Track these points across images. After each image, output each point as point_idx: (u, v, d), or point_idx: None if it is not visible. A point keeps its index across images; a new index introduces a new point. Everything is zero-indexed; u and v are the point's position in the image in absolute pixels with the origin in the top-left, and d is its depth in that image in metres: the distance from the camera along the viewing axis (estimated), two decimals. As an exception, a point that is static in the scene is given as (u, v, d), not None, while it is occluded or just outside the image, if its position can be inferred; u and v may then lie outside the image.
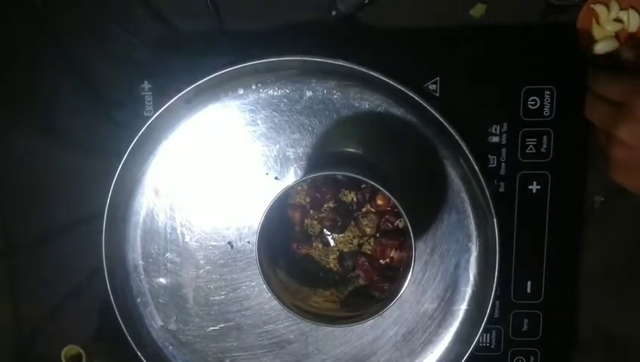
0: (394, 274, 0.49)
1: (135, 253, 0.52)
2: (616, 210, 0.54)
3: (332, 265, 0.52)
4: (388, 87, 0.47)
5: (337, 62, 0.47)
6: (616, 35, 0.49)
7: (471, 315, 0.51)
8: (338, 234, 0.51)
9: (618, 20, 0.49)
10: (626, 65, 0.49)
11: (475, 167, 0.48)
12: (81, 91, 0.54)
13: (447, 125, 0.47)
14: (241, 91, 0.50)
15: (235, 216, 0.52)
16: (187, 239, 0.52)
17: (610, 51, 0.49)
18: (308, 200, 0.50)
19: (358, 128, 0.50)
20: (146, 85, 0.51)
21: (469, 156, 0.47)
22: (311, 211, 0.51)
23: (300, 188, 0.50)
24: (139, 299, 0.53)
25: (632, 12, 0.49)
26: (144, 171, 0.51)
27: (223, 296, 0.53)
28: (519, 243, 0.52)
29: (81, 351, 0.49)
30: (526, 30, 0.52)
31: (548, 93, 0.50)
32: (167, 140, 0.51)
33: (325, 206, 0.50)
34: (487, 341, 0.54)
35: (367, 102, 0.49)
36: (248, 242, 0.52)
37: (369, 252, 0.51)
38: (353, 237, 0.51)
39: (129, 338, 0.51)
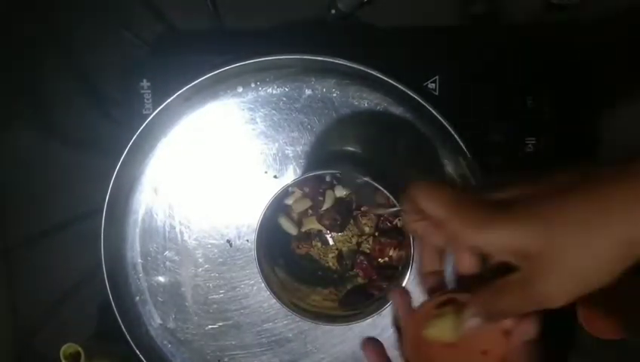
0: (392, 273, 0.49)
1: (134, 251, 0.52)
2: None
3: (331, 264, 0.52)
4: (387, 85, 0.47)
5: (337, 61, 0.47)
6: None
7: (470, 314, 0.51)
8: (337, 233, 0.51)
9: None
10: None
11: (475, 165, 0.47)
12: (80, 89, 0.54)
13: (446, 124, 0.47)
14: (240, 89, 0.50)
15: (234, 214, 0.52)
16: (186, 237, 0.52)
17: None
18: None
19: (357, 127, 0.50)
20: (145, 83, 0.51)
21: (468, 155, 0.47)
22: (310, 210, 0.51)
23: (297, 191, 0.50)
24: (137, 298, 0.53)
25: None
26: (143, 169, 0.51)
27: (221, 295, 0.52)
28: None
29: (80, 349, 0.49)
30: (526, 30, 0.52)
31: (547, 92, 0.50)
32: (166, 138, 0.51)
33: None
34: (486, 340, 0.53)
35: (367, 100, 0.49)
36: (247, 240, 0.52)
37: (368, 251, 0.51)
38: (352, 236, 0.51)
39: (128, 336, 0.51)
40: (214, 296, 0.52)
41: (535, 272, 0.30)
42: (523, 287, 0.31)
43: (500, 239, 0.30)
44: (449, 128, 0.47)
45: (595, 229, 0.29)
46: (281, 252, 0.51)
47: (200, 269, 0.52)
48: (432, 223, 0.34)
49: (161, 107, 0.48)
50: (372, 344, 0.38)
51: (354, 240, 0.51)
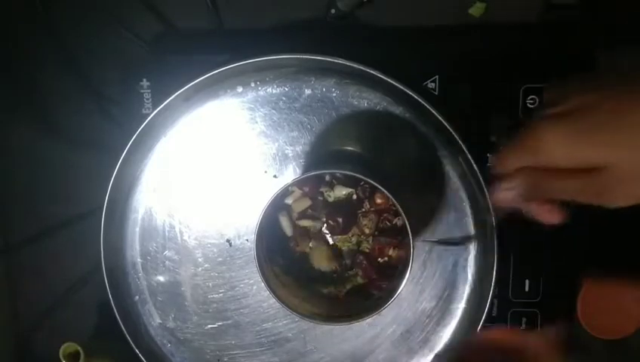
0: (392, 273, 0.49)
1: (133, 250, 0.52)
2: (616, 209, 0.54)
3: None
4: (387, 85, 0.47)
5: (336, 60, 0.47)
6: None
7: (469, 314, 0.51)
8: (338, 235, 0.51)
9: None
10: None
11: (474, 165, 0.47)
12: (80, 89, 0.54)
13: (445, 124, 0.47)
14: (240, 89, 0.50)
15: (234, 214, 0.52)
16: (185, 237, 0.52)
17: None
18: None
19: (356, 126, 0.50)
20: (145, 83, 0.51)
21: (468, 155, 0.47)
22: (310, 210, 0.51)
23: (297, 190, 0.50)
24: (137, 297, 0.53)
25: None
26: (142, 169, 0.51)
27: (221, 294, 0.53)
28: (518, 242, 0.52)
29: (79, 348, 0.49)
30: (525, 29, 0.52)
31: (547, 91, 0.50)
32: (166, 138, 0.51)
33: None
34: (486, 339, 0.53)
35: (366, 100, 0.50)
36: (247, 240, 0.52)
37: (367, 250, 0.51)
38: (352, 236, 0.51)
39: (127, 335, 0.51)
40: (214, 296, 0.53)
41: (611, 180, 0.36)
42: (593, 181, 0.37)
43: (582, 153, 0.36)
44: (448, 127, 0.47)
45: None
46: (281, 252, 0.51)
47: (199, 269, 0.52)
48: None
49: (161, 107, 0.48)
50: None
51: (354, 240, 0.51)
